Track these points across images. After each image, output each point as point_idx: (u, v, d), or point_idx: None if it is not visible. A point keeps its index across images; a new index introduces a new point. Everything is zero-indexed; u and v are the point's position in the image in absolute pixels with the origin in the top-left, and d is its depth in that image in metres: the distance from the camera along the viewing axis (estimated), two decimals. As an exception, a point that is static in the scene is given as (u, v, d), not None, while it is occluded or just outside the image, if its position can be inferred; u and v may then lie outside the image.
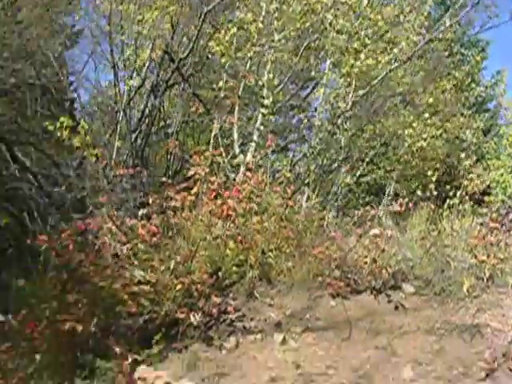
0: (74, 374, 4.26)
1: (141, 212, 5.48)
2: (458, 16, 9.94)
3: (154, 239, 4.93)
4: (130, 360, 4.08)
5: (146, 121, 8.83)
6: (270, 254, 5.21)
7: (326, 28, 8.49)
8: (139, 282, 4.57)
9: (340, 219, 6.97)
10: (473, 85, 16.10)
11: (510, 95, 31.70)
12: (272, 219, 5.44)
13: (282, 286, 5.08)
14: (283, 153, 11.82)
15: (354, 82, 8.96)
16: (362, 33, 8.91)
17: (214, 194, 5.19)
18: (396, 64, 9.24)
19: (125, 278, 4.67)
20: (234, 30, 7.98)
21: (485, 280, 5.07)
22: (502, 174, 14.06)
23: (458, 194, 6.72)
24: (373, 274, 5.11)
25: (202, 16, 8.72)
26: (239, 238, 5.10)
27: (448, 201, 6.68)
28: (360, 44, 8.69)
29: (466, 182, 7.54)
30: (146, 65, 9.28)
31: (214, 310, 4.57)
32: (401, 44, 9.18)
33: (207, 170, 5.60)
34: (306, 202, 6.82)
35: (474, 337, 4.36)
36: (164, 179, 6.26)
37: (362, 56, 8.61)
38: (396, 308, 4.87)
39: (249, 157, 7.22)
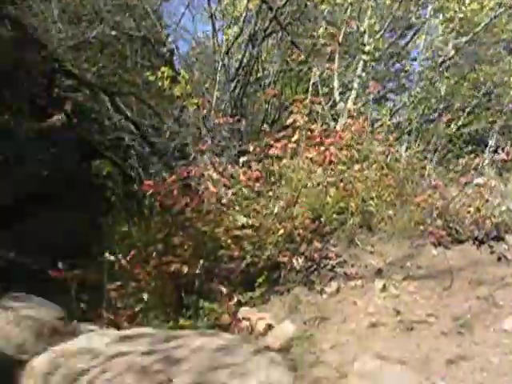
0: (178, 313, 4.42)
1: (242, 159, 5.55)
2: None
3: (257, 185, 5.00)
4: (234, 300, 4.19)
5: (244, 70, 8.82)
6: (371, 201, 5.17)
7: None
8: (242, 227, 4.66)
9: (441, 169, 6.78)
10: None
11: None
12: (373, 167, 5.39)
13: (383, 234, 5.04)
14: (381, 102, 11.58)
15: (456, 28, 8.62)
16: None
17: (316, 141, 5.17)
18: (501, 10, 8.78)
19: (228, 223, 4.78)
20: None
21: None
22: None
23: None
24: (476, 224, 4.99)
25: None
26: (340, 185, 5.08)
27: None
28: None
29: None
30: (244, 14, 9.22)
31: (316, 255, 4.61)
32: (507, -12, 8.70)
33: (306, 118, 5.59)
34: (406, 151, 6.69)
35: None
36: (263, 128, 6.30)
37: (467, 0, 8.25)
38: (499, 259, 4.76)
39: (349, 104, 7.12)
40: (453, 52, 8.71)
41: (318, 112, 6.16)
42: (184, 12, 10.71)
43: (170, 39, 10.70)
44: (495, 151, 8.64)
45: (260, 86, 9.47)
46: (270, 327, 4.09)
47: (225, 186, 5.05)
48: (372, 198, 5.19)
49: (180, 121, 8.17)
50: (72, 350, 3.35)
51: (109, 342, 3.39)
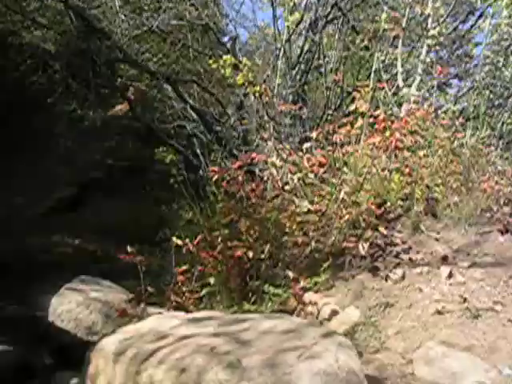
0: (243, 298, 4.50)
1: (305, 146, 5.57)
2: None
3: (321, 170, 5.01)
4: (300, 285, 4.22)
5: (305, 57, 8.82)
6: (436, 188, 5.12)
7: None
8: (307, 212, 4.69)
9: (507, 155, 6.64)
10: None
11: None
12: (438, 153, 5.32)
13: (449, 221, 4.98)
14: (445, 88, 11.37)
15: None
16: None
17: (382, 126, 5.13)
18: None
19: (292, 209, 4.81)
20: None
21: None
22: None
23: None
24: (544, 211, 4.90)
25: None
26: (405, 171, 5.04)
27: None
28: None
29: None
30: (304, 1, 9.19)
31: (381, 242, 4.60)
32: None
33: (369, 104, 5.56)
34: (471, 137, 6.57)
35: None
36: (325, 114, 6.29)
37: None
38: None
39: (413, 90, 7.02)
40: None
41: (381, 98, 6.11)
42: (244, 0, 10.77)
43: (230, 27, 10.80)
44: None
45: (321, 73, 9.43)
46: (335, 312, 4.12)
47: (290, 171, 5.08)
48: (437, 185, 5.13)
49: (242, 109, 8.23)
50: (141, 332, 3.42)
51: (177, 324, 3.45)
